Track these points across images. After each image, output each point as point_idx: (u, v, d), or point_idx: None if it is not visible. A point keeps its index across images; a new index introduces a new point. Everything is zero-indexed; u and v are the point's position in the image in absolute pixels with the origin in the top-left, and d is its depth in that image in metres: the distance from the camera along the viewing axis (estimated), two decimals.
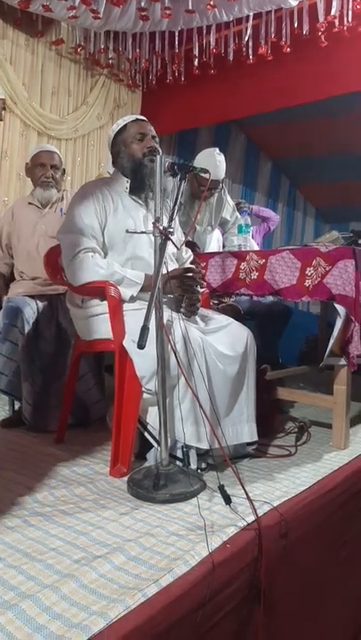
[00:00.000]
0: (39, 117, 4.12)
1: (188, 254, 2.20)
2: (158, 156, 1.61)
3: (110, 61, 4.46)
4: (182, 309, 1.81)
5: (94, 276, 1.82)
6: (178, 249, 1.65)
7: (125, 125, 1.99)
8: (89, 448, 1.99)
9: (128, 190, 1.98)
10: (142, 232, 1.74)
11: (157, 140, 2.00)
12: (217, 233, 3.16)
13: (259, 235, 4.25)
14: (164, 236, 1.54)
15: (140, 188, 1.97)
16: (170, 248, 1.73)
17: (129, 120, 2.01)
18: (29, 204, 2.54)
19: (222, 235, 3.16)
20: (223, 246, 3.17)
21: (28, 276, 2.46)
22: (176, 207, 1.62)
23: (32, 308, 2.27)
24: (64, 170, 2.63)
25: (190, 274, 1.85)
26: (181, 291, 1.81)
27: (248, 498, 1.41)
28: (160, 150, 1.94)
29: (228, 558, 1.23)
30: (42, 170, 2.49)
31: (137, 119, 2.02)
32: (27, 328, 2.21)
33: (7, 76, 3.92)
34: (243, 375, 1.84)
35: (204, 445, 1.68)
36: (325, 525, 1.64)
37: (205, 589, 1.13)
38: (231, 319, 1.94)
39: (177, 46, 4.12)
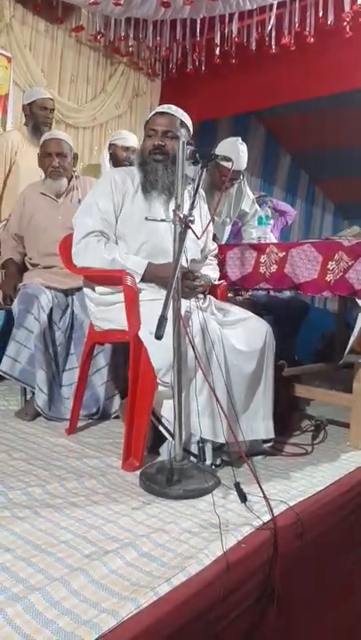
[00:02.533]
0: (57, 105, 4.06)
1: (213, 246, 2.17)
2: (180, 142, 1.56)
3: (130, 49, 4.41)
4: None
5: (95, 260, 1.84)
6: (198, 238, 1.61)
7: (149, 119, 1.95)
8: (101, 440, 1.97)
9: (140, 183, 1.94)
10: (162, 220, 1.70)
11: (171, 134, 1.89)
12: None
13: (276, 229, 4.18)
14: (184, 224, 1.50)
15: (144, 182, 1.93)
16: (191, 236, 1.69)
17: (152, 113, 1.96)
18: (42, 194, 2.50)
19: (241, 227, 3.11)
20: (241, 239, 3.11)
21: (42, 266, 2.44)
22: (197, 196, 1.57)
23: (47, 296, 2.25)
24: (76, 155, 2.61)
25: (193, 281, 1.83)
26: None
27: (264, 496, 1.38)
28: (172, 145, 1.85)
29: (243, 558, 1.20)
30: (49, 159, 2.47)
31: (157, 112, 1.95)
32: (42, 315, 2.19)
33: (26, 62, 3.89)
34: (260, 371, 1.79)
35: (221, 439, 1.64)
36: (340, 526, 1.60)
37: (219, 589, 1.10)
38: (250, 313, 1.90)
39: (198, 35, 4.06)
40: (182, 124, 1.91)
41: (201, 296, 1.91)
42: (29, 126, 3.05)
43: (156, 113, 1.96)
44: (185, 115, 1.95)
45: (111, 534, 1.25)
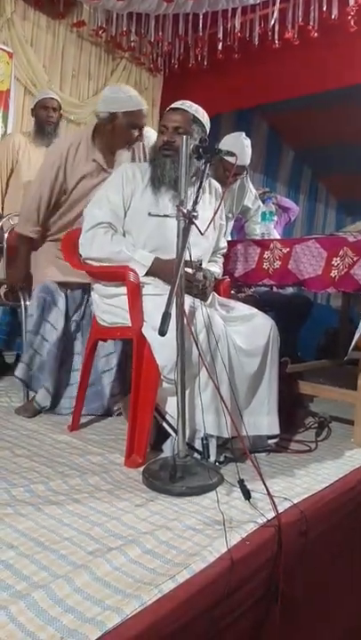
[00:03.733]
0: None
1: (223, 244, 2.15)
2: (184, 138, 1.54)
3: (132, 44, 4.39)
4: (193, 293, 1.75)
5: (101, 251, 1.84)
6: (202, 234, 1.59)
7: (164, 114, 1.95)
8: (104, 437, 1.97)
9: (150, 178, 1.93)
10: (165, 215, 1.69)
11: (182, 130, 1.86)
12: None
13: (280, 225, 4.16)
14: (188, 219, 1.48)
15: (152, 177, 1.91)
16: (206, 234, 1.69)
17: (169, 108, 1.93)
18: (94, 160, 2.28)
19: (244, 223, 3.09)
20: (244, 234, 3.10)
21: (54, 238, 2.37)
22: (200, 191, 1.56)
23: (64, 299, 2.22)
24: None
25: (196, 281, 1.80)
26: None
27: (269, 493, 1.37)
28: (180, 140, 1.84)
29: (247, 555, 1.19)
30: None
31: (170, 109, 1.92)
32: (60, 323, 2.18)
33: (27, 58, 3.87)
34: (263, 368, 1.79)
35: (225, 435, 1.63)
36: (345, 524, 1.59)
37: (223, 587, 1.09)
38: (255, 309, 1.89)
39: (201, 30, 4.03)
40: (195, 119, 1.87)
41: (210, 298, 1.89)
42: (34, 128, 3.12)
43: (170, 109, 1.93)
44: (199, 110, 1.90)
45: (114, 531, 1.25)
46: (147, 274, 1.81)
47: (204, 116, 1.91)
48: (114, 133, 2.21)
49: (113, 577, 1.06)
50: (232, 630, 1.13)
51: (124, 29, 4.18)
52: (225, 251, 2.16)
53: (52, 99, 3.14)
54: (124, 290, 1.78)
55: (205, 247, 1.96)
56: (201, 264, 1.83)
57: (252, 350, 1.75)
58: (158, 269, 1.81)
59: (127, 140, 2.25)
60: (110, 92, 2.24)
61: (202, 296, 1.79)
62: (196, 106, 1.92)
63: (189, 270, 1.74)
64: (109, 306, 1.86)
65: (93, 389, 2.17)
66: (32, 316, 2.20)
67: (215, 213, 1.83)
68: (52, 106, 3.10)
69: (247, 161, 2.64)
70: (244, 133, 2.64)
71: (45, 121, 3.06)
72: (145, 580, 1.05)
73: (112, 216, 1.89)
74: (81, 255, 1.92)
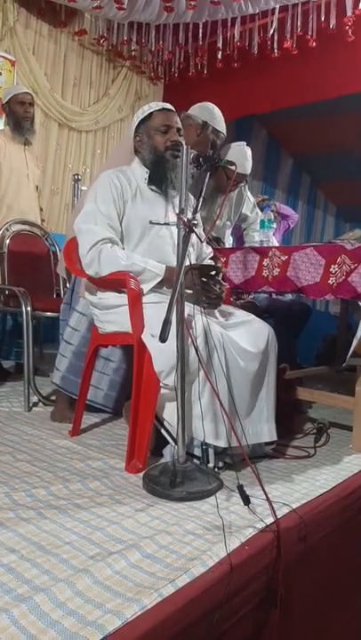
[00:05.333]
0: (60, 109, 4.11)
1: (208, 250, 2.17)
2: (184, 147, 1.57)
3: (133, 53, 4.44)
4: (204, 302, 1.76)
5: (114, 267, 1.77)
6: (202, 242, 1.61)
7: (151, 114, 1.91)
8: (104, 442, 1.98)
9: (147, 181, 1.93)
10: (166, 224, 1.70)
11: (182, 132, 1.94)
12: None
13: (278, 233, 4.19)
14: (188, 227, 1.50)
15: (160, 180, 1.91)
16: (192, 240, 1.69)
17: (155, 108, 1.91)
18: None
19: (242, 231, 3.12)
20: (242, 242, 3.12)
21: None
22: (200, 200, 1.58)
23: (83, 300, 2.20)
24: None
25: (213, 272, 1.81)
26: (201, 282, 1.77)
27: (268, 499, 1.38)
28: (184, 143, 1.88)
29: (246, 560, 1.20)
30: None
31: (163, 108, 1.92)
32: (82, 325, 2.20)
33: (29, 66, 3.91)
34: (263, 373, 1.80)
35: (223, 443, 1.64)
36: (344, 529, 1.60)
37: (223, 591, 1.10)
38: (252, 315, 1.91)
39: (200, 39, 4.08)
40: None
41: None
42: (10, 125, 3.01)
43: (165, 109, 1.92)
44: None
45: (115, 536, 1.26)
46: (161, 282, 1.79)
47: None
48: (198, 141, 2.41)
49: (114, 581, 1.07)
50: (232, 634, 1.14)
51: (125, 38, 4.24)
52: (211, 255, 2.17)
53: (27, 93, 3.04)
54: (123, 300, 1.77)
55: (193, 255, 1.97)
56: (219, 270, 1.84)
57: (255, 352, 1.75)
58: (171, 277, 1.77)
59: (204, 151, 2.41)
60: (211, 106, 2.49)
61: (217, 301, 1.80)
62: None
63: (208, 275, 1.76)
64: (110, 315, 1.86)
65: (107, 385, 2.24)
66: (79, 331, 2.21)
67: (214, 222, 1.85)
68: (29, 101, 3.00)
69: (248, 169, 2.68)
70: (245, 143, 2.68)
71: (23, 117, 2.96)
72: (145, 584, 1.06)
73: (111, 230, 1.83)
74: (90, 275, 1.84)
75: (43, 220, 3.30)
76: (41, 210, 3.34)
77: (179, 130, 1.91)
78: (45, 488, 1.50)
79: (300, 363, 3.16)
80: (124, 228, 1.88)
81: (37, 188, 3.27)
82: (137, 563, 1.14)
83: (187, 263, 1.56)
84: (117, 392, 2.28)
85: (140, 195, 1.92)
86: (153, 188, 1.92)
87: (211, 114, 2.49)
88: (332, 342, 3.61)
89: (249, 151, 2.67)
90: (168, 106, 1.95)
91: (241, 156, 2.55)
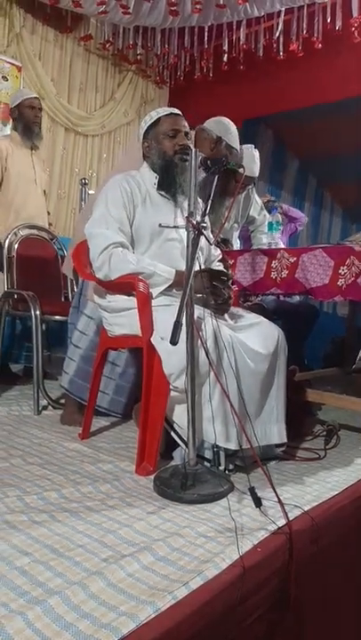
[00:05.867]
0: (66, 113, 4.14)
1: (217, 252, 2.17)
2: (192, 151, 1.58)
3: (138, 57, 4.46)
4: (212, 306, 1.77)
5: (124, 270, 1.78)
6: (211, 244, 1.61)
7: (159, 119, 1.92)
8: (114, 445, 1.98)
9: (156, 186, 1.94)
10: (175, 227, 1.71)
11: (190, 136, 1.95)
12: None
13: (285, 235, 4.18)
14: (197, 230, 1.51)
15: (169, 184, 1.92)
16: (200, 243, 1.70)
17: (163, 114, 1.93)
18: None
19: (249, 233, 3.12)
20: (250, 244, 3.12)
21: None
22: (209, 202, 1.59)
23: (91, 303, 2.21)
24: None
25: (224, 277, 1.82)
26: (210, 285, 1.77)
27: (279, 501, 1.37)
28: (192, 147, 1.89)
29: (259, 562, 1.19)
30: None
31: (171, 113, 1.94)
32: (90, 329, 2.21)
33: (36, 71, 3.94)
34: (273, 374, 1.80)
35: (233, 446, 1.64)
36: (356, 531, 1.60)
37: (236, 593, 1.10)
38: (261, 317, 1.91)
39: (206, 42, 4.10)
40: None
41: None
42: (19, 129, 3.02)
43: (173, 114, 1.94)
44: None
45: (127, 538, 1.26)
46: (170, 286, 1.80)
47: None
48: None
49: (127, 583, 1.07)
50: (245, 636, 1.14)
51: (131, 43, 4.26)
52: (220, 257, 2.18)
53: (37, 98, 3.06)
54: (133, 303, 1.77)
55: (202, 259, 1.97)
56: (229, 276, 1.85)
57: (265, 354, 1.75)
58: (181, 281, 1.76)
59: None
60: (227, 121, 2.54)
61: (225, 306, 1.81)
62: None
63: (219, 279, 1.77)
64: (119, 318, 1.87)
65: (117, 389, 2.26)
66: (87, 335, 2.22)
67: (222, 225, 1.85)
68: (39, 106, 3.02)
69: (257, 172, 2.69)
70: (253, 145, 2.69)
71: (33, 121, 2.98)
72: (159, 587, 1.06)
73: (121, 234, 1.85)
74: (100, 278, 1.85)
75: (50, 224, 3.32)
76: (48, 214, 3.36)
77: (187, 134, 1.93)
78: (57, 491, 1.51)
79: (308, 364, 3.15)
80: (134, 232, 1.89)
81: (45, 192, 3.29)
82: (150, 565, 1.14)
83: (196, 266, 1.56)
84: (124, 397, 2.28)
85: (150, 199, 1.93)
86: (162, 193, 1.94)
87: (226, 129, 2.49)
88: (340, 344, 3.59)
89: (257, 154, 2.68)
90: (175, 110, 1.97)
91: (249, 158, 2.56)
